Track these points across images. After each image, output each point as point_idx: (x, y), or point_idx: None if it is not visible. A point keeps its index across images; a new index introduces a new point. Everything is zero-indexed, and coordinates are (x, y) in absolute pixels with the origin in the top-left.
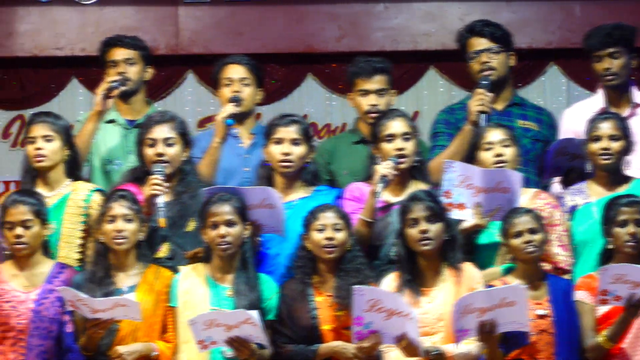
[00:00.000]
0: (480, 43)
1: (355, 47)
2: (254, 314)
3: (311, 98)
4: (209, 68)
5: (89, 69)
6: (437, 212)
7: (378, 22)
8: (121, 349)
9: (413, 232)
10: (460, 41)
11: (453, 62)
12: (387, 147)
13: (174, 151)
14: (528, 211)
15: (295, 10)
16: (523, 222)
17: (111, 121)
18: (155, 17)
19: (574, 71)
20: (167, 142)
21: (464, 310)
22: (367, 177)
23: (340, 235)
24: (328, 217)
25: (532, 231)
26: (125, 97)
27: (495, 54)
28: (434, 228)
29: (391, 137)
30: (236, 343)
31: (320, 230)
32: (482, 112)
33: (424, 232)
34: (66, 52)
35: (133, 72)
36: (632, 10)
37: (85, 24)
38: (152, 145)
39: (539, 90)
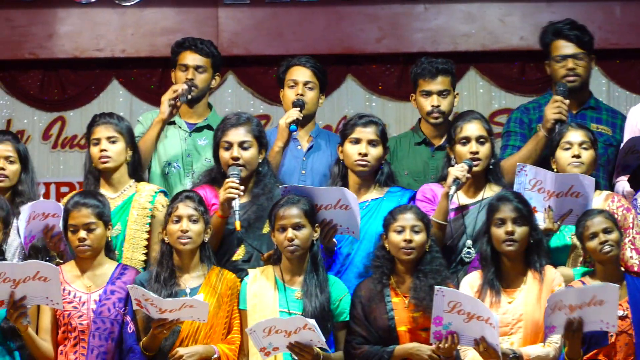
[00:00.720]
0: (566, 47)
1: (395, 48)
2: (311, 320)
3: (351, 99)
4: (248, 69)
5: (129, 70)
6: (525, 215)
7: (418, 23)
8: (182, 350)
9: (499, 232)
10: (544, 40)
11: (493, 63)
12: (461, 149)
13: (249, 154)
14: (600, 212)
15: (335, 11)
16: (597, 223)
17: (172, 123)
18: (195, 18)
19: (614, 72)
20: (242, 145)
21: (555, 305)
22: (441, 178)
23: (419, 237)
24: (407, 219)
25: (606, 231)
26: (190, 103)
27: (580, 60)
28: (520, 230)
29: (466, 140)
30: (297, 348)
31: (399, 232)
32: (558, 120)
33: (510, 233)
34: (106, 53)
35: (201, 79)
36: None
37: (125, 25)
38: (227, 149)
39: (617, 103)
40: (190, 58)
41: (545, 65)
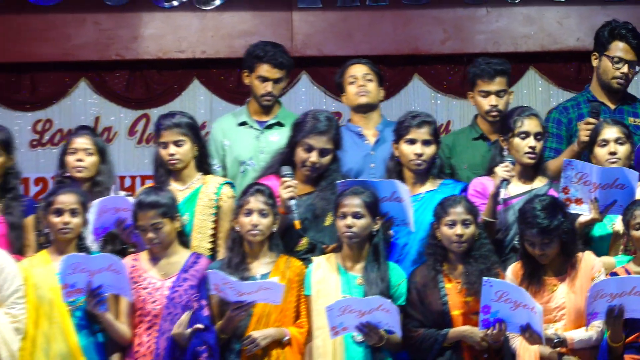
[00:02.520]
0: (626, 52)
1: (459, 49)
2: (388, 301)
3: (417, 97)
4: (321, 69)
5: (209, 70)
6: (554, 210)
7: (480, 25)
8: (255, 333)
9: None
10: (604, 35)
11: (551, 63)
12: (520, 143)
13: (326, 160)
14: None
15: (402, 14)
16: None
17: (243, 123)
18: (271, 21)
19: None
20: (322, 152)
21: (596, 295)
22: (489, 172)
23: (469, 230)
24: (458, 213)
25: None
26: (265, 108)
27: (633, 68)
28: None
29: (525, 135)
30: (367, 329)
31: (451, 226)
32: (587, 142)
33: (541, 251)
34: (188, 54)
35: (278, 88)
36: None
37: (205, 28)
38: (308, 151)
39: (632, 89)
40: (270, 71)
41: (592, 56)
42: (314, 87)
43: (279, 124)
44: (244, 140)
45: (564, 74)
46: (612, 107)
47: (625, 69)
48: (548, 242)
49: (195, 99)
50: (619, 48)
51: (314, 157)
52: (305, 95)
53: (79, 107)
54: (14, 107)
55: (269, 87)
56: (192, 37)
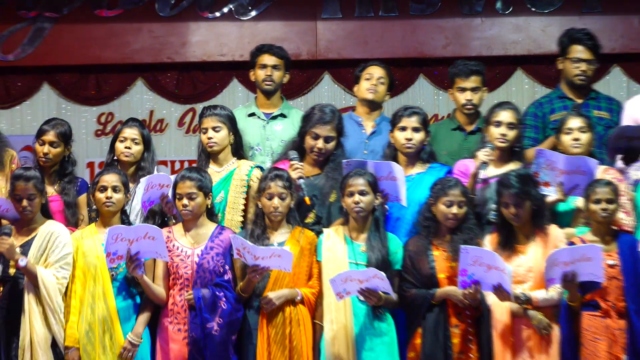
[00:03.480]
0: (581, 52)
1: (458, 53)
2: (381, 272)
3: (422, 94)
4: (341, 70)
5: (246, 71)
6: (521, 195)
7: (476, 33)
8: (271, 294)
9: (504, 210)
10: (563, 42)
11: (536, 65)
12: (493, 131)
13: (331, 146)
14: (609, 183)
15: (410, 23)
16: (603, 192)
17: (252, 115)
18: (298, 29)
19: (633, 72)
20: (327, 139)
21: (552, 263)
22: (472, 156)
23: (463, 210)
24: (456, 195)
25: (609, 201)
26: (268, 94)
27: (590, 65)
28: (521, 210)
29: (499, 124)
30: (367, 292)
31: (448, 206)
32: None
33: (508, 207)
34: (228, 58)
35: (277, 75)
36: None
37: (243, 35)
38: (315, 138)
39: (605, 87)
40: (269, 59)
41: (558, 61)
42: (335, 85)
43: (282, 115)
44: (253, 129)
45: (546, 74)
46: (579, 101)
47: (583, 67)
48: (521, 203)
49: (235, 95)
50: (577, 50)
51: (320, 143)
52: (328, 92)
53: (136, 103)
54: (81, 103)
55: (268, 71)
56: (232, 43)
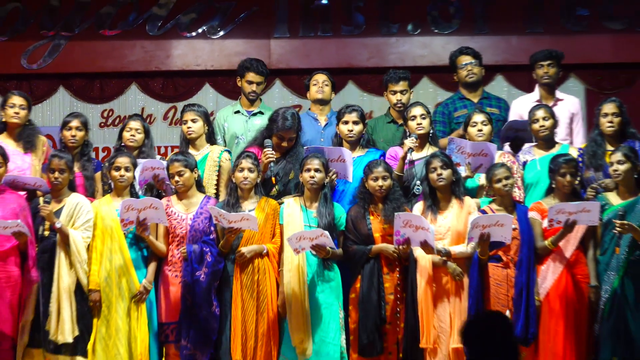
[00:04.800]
0: (466, 59)
1: (378, 64)
2: (326, 231)
3: (350, 96)
4: (289, 77)
5: (216, 77)
6: (447, 163)
7: (392, 48)
8: (243, 249)
9: (433, 175)
10: (452, 59)
11: (439, 74)
12: (411, 123)
13: (292, 142)
14: (503, 165)
15: (342, 41)
16: (501, 172)
17: (237, 112)
18: (256, 45)
19: (512, 79)
20: (289, 139)
21: (474, 226)
22: (400, 143)
23: (387, 182)
24: (379, 171)
25: (507, 177)
26: (251, 101)
27: (476, 66)
28: (446, 173)
29: (414, 117)
30: (317, 247)
31: (375, 180)
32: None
33: (440, 174)
34: (202, 67)
35: (260, 88)
36: (551, 43)
37: (214, 50)
38: (280, 139)
39: (490, 91)
40: (254, 77)
41: (454, 76)
42: (284, 89)
43: (260, 113)
44: (237, 123)
45: (447, 81)
46: (475, 100)
47: (469, 67)
48: (445, 168)
49: (207, 97)
50: (462, 59)
51: (284, 143)
52: (278, 94)
53: (131, 102)
54: (89, 101)
55: (253, 87)
56: (205, 55)
